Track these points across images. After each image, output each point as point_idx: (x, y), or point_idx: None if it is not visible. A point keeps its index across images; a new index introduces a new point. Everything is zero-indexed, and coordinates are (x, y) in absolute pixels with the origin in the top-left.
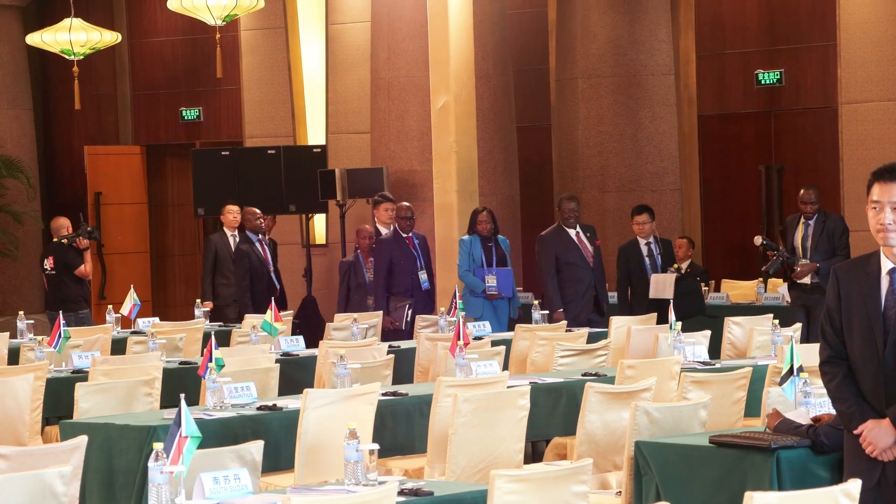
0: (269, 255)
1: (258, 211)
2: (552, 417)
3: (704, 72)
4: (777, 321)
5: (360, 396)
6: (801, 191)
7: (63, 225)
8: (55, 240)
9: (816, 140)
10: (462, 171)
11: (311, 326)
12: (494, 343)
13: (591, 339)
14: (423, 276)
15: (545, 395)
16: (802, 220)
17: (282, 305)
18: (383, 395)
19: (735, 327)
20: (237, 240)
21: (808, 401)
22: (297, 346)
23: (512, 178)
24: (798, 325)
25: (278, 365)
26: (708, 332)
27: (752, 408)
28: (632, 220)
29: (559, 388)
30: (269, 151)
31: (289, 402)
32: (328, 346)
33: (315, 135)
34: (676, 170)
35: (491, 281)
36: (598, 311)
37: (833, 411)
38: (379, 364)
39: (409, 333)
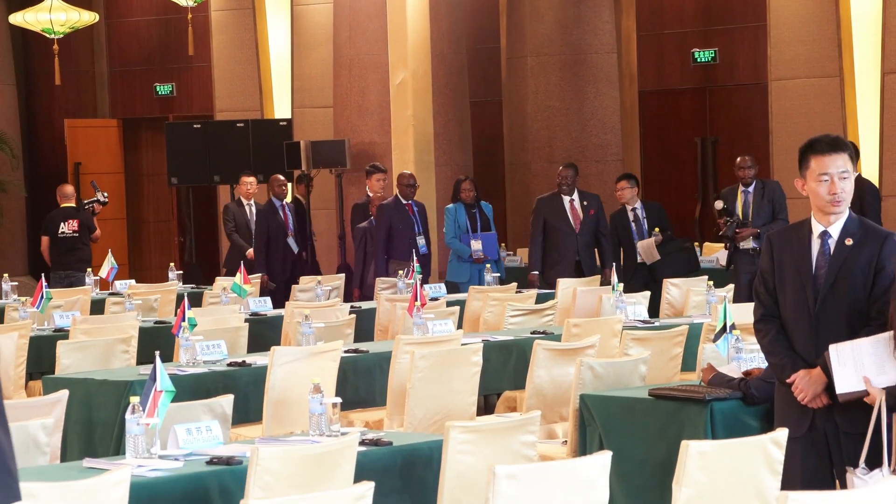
0: (290, 221)
1: (282, 177)
2: (503, 373)
3: (645, 50)
4: (712, 283)
5: (323, 353)
6: (738, 158)
7: (72, 192)
8: (67, 205)
9: (748, 114)
10: (419, 143)
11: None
12: (449, 304)
13: (540, 299)
14: (420, 241)
15: (496, 352)
16: (741, 188)
17: (309, 270)
18: (345, 352)
19: (673, 288)
20: (253, 209)
21: (739, 356)
22: (265, 306)
23: (466, 150)
24: (731, 286)
25: (247, 324)
26: (647, 293)
27: (689, 363)
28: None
29: (509, 346)
30: (239, 124)
31: (257, 359)
32: (294, 306)
33: (281, 109)
34: (619, 142)
35: (476, 245)
36: (579, 275)
37: (763, 366)
38: (341, 323)
39: None
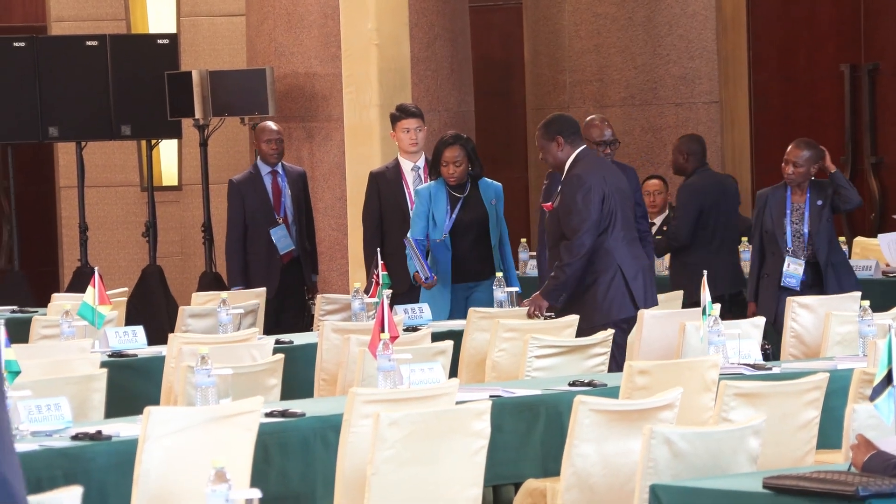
0: (284, 198)
1: (273, 125)
2: (524, 449)
3: None
4: (867, 302)
5: (231, 419)
6: None
7: None
8: None
9: None
10: (387, 74)
11: (153, 310)
12: (437, 336)
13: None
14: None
15: (514, 416)
16: None
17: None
18: (267, 415)
19: (802, 312)
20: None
21: None
22: (135, 341)
23: (462, 86)
24: None
25: (105, 371)
26: (762, 320)
27: (830, 435)
28: None
29: (535, 405)
30: (89, 43)
31: (121, 428)
32: (182, 340)
33: (160, 18)
34: (714, 72)
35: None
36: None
37: None
38: (261, 369)
39: None
